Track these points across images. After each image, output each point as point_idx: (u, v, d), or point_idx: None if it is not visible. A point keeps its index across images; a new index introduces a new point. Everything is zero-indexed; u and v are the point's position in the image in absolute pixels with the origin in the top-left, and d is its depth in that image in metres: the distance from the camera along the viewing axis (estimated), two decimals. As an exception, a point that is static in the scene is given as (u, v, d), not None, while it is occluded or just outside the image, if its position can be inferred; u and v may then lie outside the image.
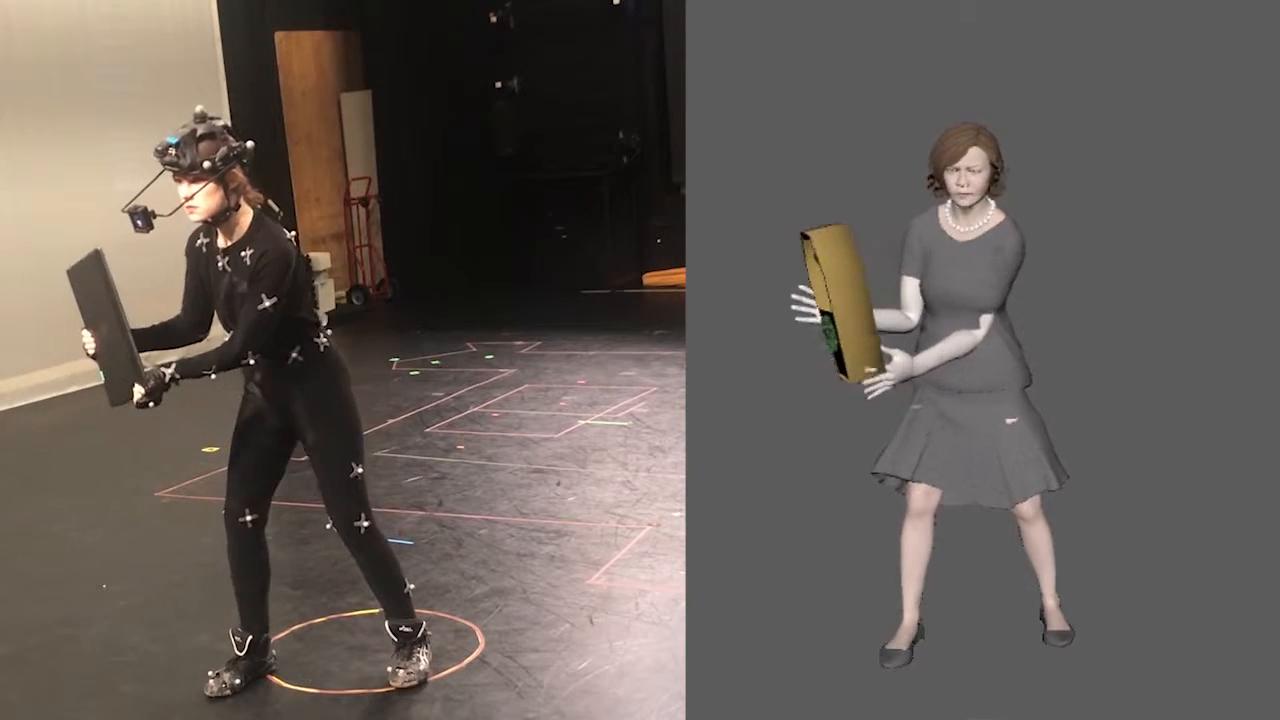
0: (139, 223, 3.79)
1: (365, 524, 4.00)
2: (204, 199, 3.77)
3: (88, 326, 3.86)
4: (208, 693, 4.11)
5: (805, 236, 3.36)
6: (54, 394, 8.78)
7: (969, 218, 3.47)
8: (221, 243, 3.87)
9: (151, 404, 3.71)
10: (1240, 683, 3.36)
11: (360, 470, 3.98)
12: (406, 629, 4.12)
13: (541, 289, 12.26)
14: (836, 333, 3.35)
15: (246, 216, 3.85)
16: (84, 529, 5.98)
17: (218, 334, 3.96)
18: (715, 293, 3.85)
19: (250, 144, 3.85)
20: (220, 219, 3.82)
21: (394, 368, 9.10)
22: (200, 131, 3.76)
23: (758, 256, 3.81)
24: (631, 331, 9.99)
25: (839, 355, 3.38)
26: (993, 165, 3.39)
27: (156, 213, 3.80)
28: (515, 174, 12.68)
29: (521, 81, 12.56)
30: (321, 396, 3.94)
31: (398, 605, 4.12)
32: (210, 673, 4.14)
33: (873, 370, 3.36)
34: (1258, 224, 3.70)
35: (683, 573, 4.32)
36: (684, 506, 4.24)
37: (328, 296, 11.39)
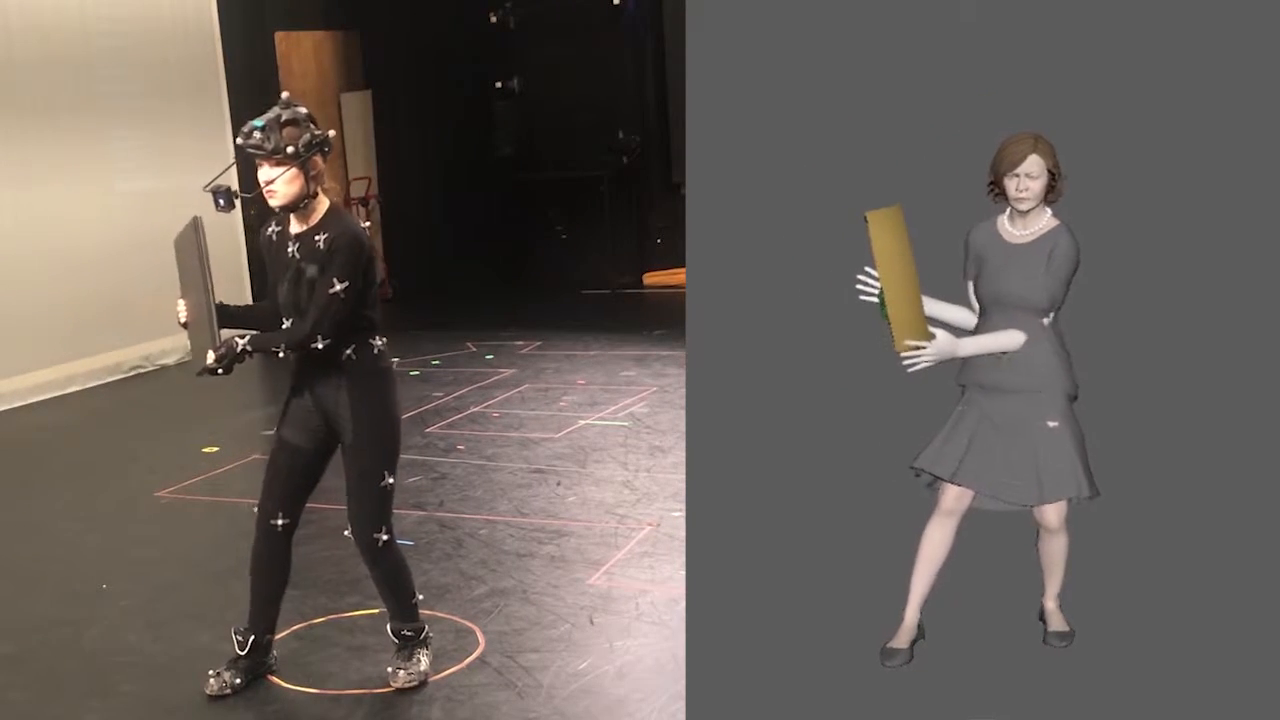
0: (221, 202, 3.82)
1: (385, 537, 3.98)
2: (284, 184, 3.78)
3: (184, 295, 3.89)
4: (208, 691, 4.10)
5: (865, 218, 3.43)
6: (54, 394, 8.78)
7: (1025, 222, 3.53)
8: (294, 229, 3.88)
9: (221, 371, 3.76)
10: (1239, 682, 3.36)
11: (391, 481, 3.96)
12: (409, 632, 4.12)
13: (541, 289, 12.26)
14: (883, 306, 3.42)
15: (323, 204, 3.87)
16: (84, 529, 5.97)
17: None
18: (715, 293, 3.85)
19: (332, 133, 3.90)
20: (299, 206, 3.82)
21: (394, 368, 9.08)
22: (285, 117, 3.79)
23: (758, 256, 3.81)
24: (631, 331, 9.99)
25: (890, 327, 3.44)
26: (1050, 172, 3.46)
27: (239, 193, 3.83)
28: (515, 174, 12.68)
29: (521, 81, 12.56)
30: (368, 399, 3.92)
31: (404, 612, 4.12)
32: (211, 672, 4.14)
33: (913, 343, 3.42)
34: (1262, 228, 3.70)
35: (683, 573, 4.32)
36: (684, 506, 4.24)
37: (328, 296, 11.38)
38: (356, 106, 12.32)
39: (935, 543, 3.59)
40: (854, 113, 3.80)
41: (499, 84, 12.57)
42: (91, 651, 4.58)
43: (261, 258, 4.03)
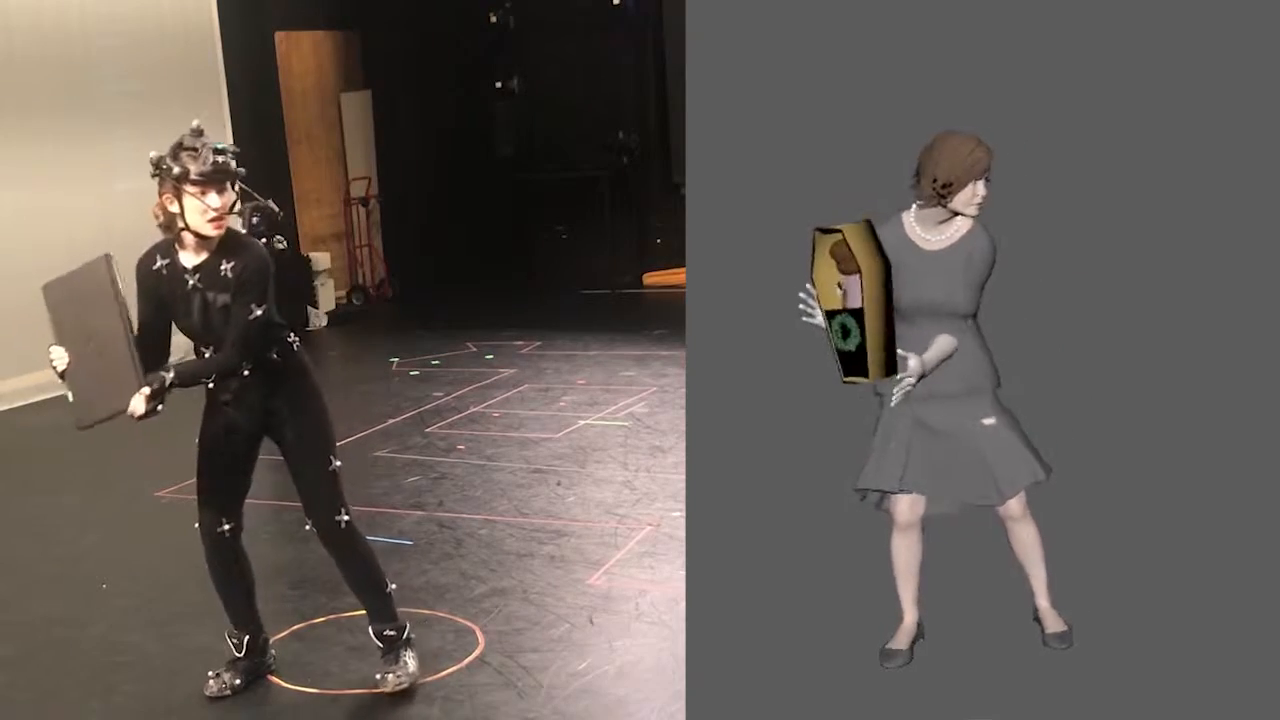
0: (263, 226, 3.87)
1: (345, 518, 3.99)
2: (226, 209, 3.78)
3: (61, 343, 3.81)
4: (207, 693, 4.11)
5: (828, 231, 3.32)
6: (54, 394, 8.74)
7: (939, 227, 3.46)
8: (188, 261, 3.84)
9: (159, 409, 3.69)
10: (1239, 679, 3.36)
11: (338, 464, 3.99)
12: (391, 632, 4.09)
13: (541, 289, 12.26)
14: (860, 330, 3.31)
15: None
16: (84, 529, 5.98)
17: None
18: (715, 293, 3.85)
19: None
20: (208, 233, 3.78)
21: (394, 368, 9.10)
22: (220, 144, 3.78)
23: (758, 256, 3.81)
24: (631, 331, 9.98)
25: (852, 356, 3.34)
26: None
27: (279, 212, 3.90)
28: (515, 174, 12.68)
29: (521, 81, 12.56)
30: (300, 392, 3.97)
31: (381, 608, 4.10)
32: (210, 673, 4.14)
33: (889, 372, 3.33)
34: (1234, 215, 3.70)
35: (683, 573, 4.32)
36: (684, 506, 4.24)
37: (328, 296, 11.39)
38: (356, 106, 12.32)
39: (904, 556, 3.59)
40: (854, 113, 3.80)
41: (499, 84, 12.57)
42: (91, 651, 4.58)
43: (146, 288, 3.89)
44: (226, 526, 4.07)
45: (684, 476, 4.41)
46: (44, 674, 4.43)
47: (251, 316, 3.77)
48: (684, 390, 4.05)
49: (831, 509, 3.75)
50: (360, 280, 12.22)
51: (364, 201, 12.28)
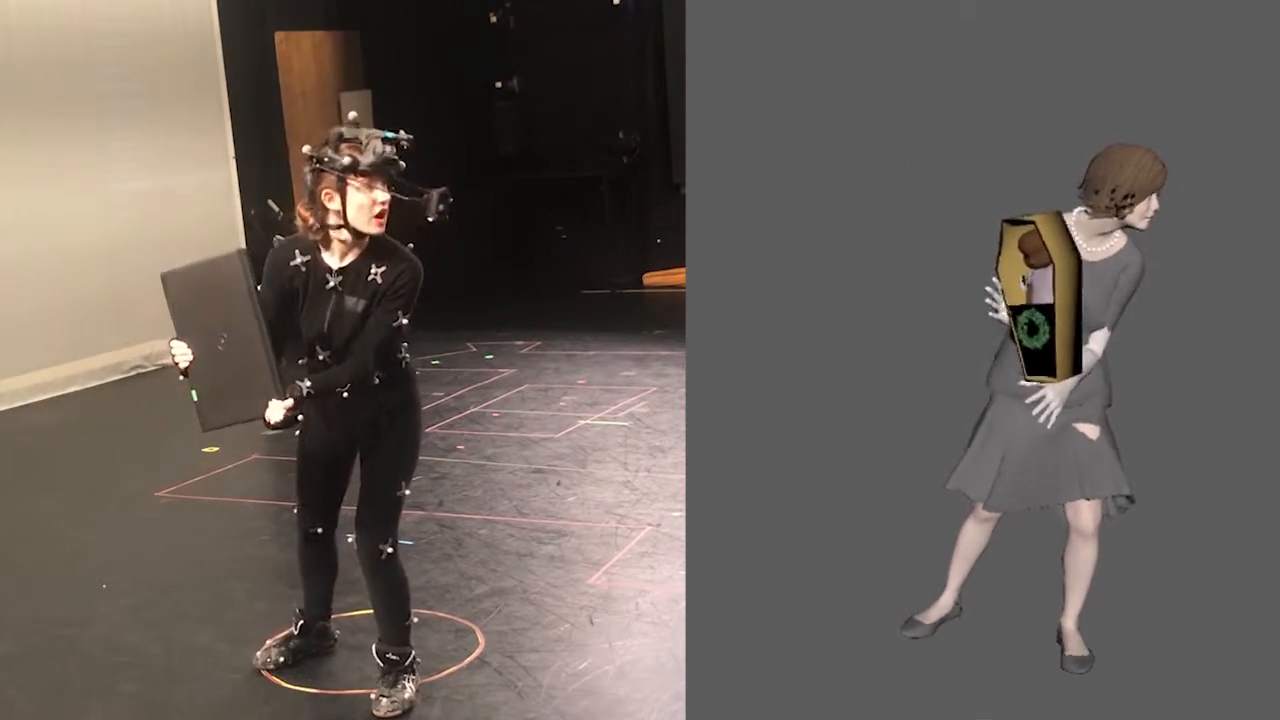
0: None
1: (389, 550, 3.93)
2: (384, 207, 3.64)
3: (182, 337, 3.66)
4: (254, 664, 4.20)
5: (1017, 222, 3.21)
6: (54, 394, 8.78)
7: (1100, 238, 3.40)
8: (333, 261, 3.71)
9: (299, 419, 3.62)
10: (1246, 690, 3.36)
11: (407, 491, 3.94)
12: (394, 656, 4.00)
13: (541, 289, 12.25)
14: (1050, 327, 3.20)
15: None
16: (84, 529, 5.97)
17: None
18: (715, 293, 3.85)
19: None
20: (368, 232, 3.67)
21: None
22: (391, 140, 3.67)
23: (758, 256, 3.81)
24: (631, 331, 9.98)
25: (1038, 354, 3.25)
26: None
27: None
28: (515, 174, 12.68)
29: (521, 81, 12.56)
30: (399, 410, 3.89)
31: (396, 634, 4.02)
32: (268, 643, 4.23)
33: (1074, 371, 3.27)
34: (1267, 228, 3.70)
35: (683, 573, 4.32)
36: (684, 506, 4.24)
37: (328, 296, 11.38)
38: (356, 106, 12.26)
39: (973, 541, 3.62)
40: (854, 113, 3.80)
41: (499, 84, 12.57)
42: (91, 651, 4.58)
43: (278, 283, 3.76)
44: (321, 529, 4.11)
45: (684, 476, 4.42)
46: (44, 674, 4.43)
47: (395, 324, 3.69)
48: (684, 390, 4.05)
49: (832, 508, 3.75)
50: (360, 280, 12.21)
51: (364, 201, 12.27)
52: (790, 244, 3.79)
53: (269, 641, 4.25)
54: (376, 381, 3.79)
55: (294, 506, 4.18)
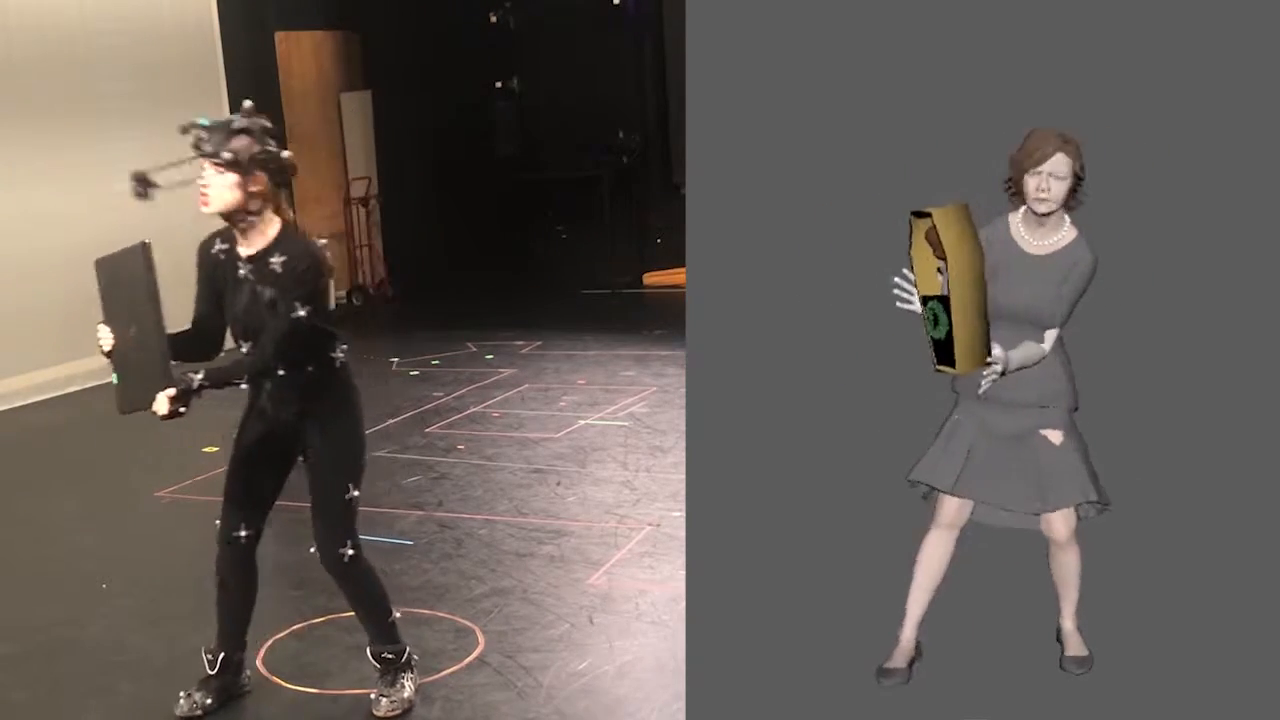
0: (139, 188, 3.67)
1: (350, 552, 3.85)
2: (219, 190, 3.64)
3: (108, 322, 3.72)
4: (177, 712, 3.97)
5: (922, 214, 3.20)
6: (54, 394, 8.78)
7: (1045, 230, 3.37)
8: (244, 250, 3.73)
9: (182, 412, 3.57)
10: (1247, 690, 3.36)
11: (356, 494, 3.85)
12: (389, 655, 3.97)
13: (541, 289, 12.26)
14: (948, 317, 3.20)
15: (272, 225, 3.71)
16: (84, 529, 5.97)
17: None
18: (715, 293, 3.85)
19: (287, 155, 3.73)
20: (236, 220, 3.69)
21: (394, 368, 9.10)
22: (238, 125, 3.66)
23: (758, 256, 3.81)
24: (631, 331, 9.99)
25: (942, 344, 3.24)
26: (1075, 175, 3.30)
27: (157, 183, 3.68)
28: (515, 174, 12.68)
29: (521, 81, 12.56)
30: (332, 413, 3.83)
31: (382, 632, 3.98)
32: (182, 692, 4.02)
33: (980, 362, 3.23)
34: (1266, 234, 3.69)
35: (683, 573, 4.32)
36: (684, 506, 4.24)
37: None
38: (356, 106, 12.32)
39: (934, 557, 3.50)
40: (854, 113, 3.79)
41: (499, 84, 12.57)
42: (91, 651, 4.58)
43: (204, 273, 3.82)
44: (245, 532, 3.95)
45: (684, 476, 4.41)
46: (44, 674, 4.43)
47: (295, 315, 3.62)
48: (684, 390, 4.05)
49: (832, 508, 3.75)
50: (360, 280, 12.22)
51: (364, 201, 12.28)
52: (790, 244, 3.79)
53: (188, 689, 4.02)
54: (305, 373, 3.75)
55: (281, 507, 4.09)
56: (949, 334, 3.22)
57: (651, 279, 12.24)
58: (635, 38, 12.32)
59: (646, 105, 12.46)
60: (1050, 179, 3.28)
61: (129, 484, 6.63)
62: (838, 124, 3.80)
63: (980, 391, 3.35)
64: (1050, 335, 3.39)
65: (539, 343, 9.71)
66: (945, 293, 3.21)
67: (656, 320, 10.27)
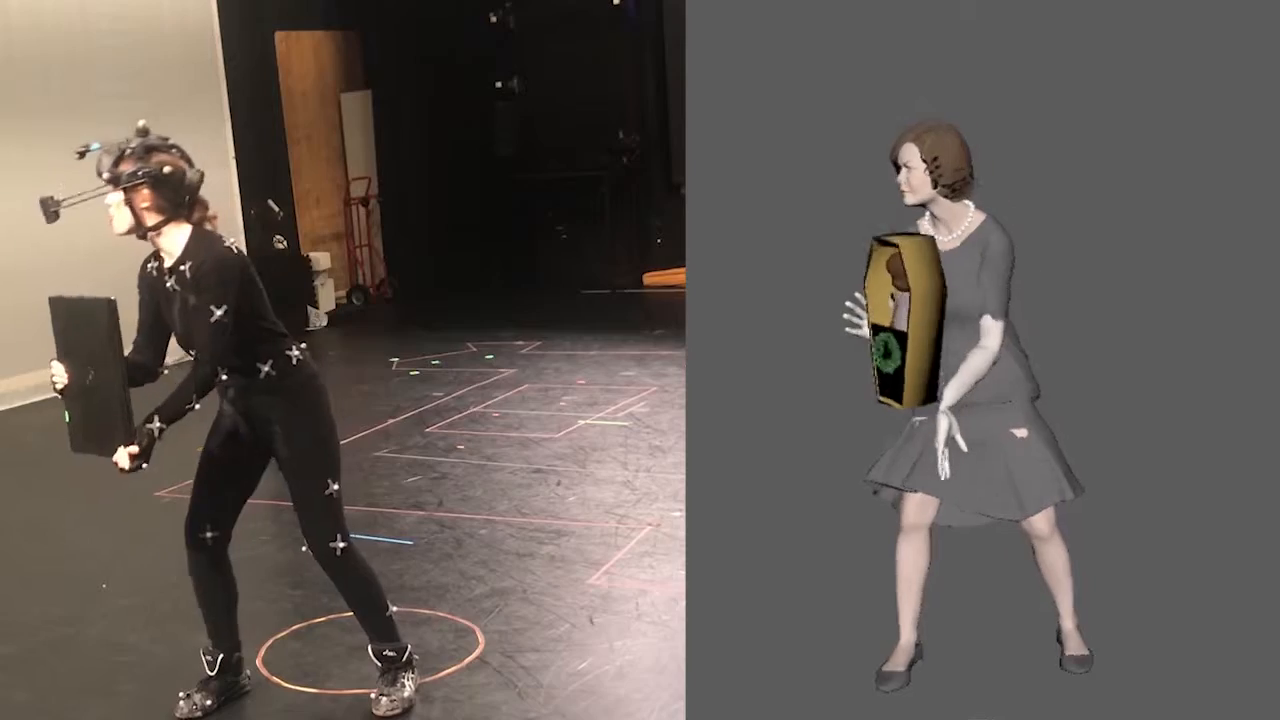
0: (46, 213, 3.83)
1: (341, 545, 3.87)
2: (114, 211, 3.76)
3: (62, 359, 3.75)
4: (178, 714, 3.98)
5: (884, 243, 3.19)
6: (54, 394, 8.76)
7: (947, 225, 3.37)
8: (167, 263, 3.80)
9: (143, 466, 3.68)
10: (1247, 690, 3.36)
11: (336, 488, 3.85)
12: (390, 653, 3.97)
13: (541, 289, 12.26)
14: (902, 353, 3.17)
15: (180, 233, 3.75)
16: (84, 529, 5.98)
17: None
18: (715, 293, 3.85)
19: (171, 170, 3.72)
20: (141, 237, 3.76)
21: (394, 368, 9.10)
22: (128, 147, 3.73)
23: (758, 256, 3.81)
24: (631, 331, 9.99)
25: (889, 377, 3.22)
26: (925, 162, 3.28)
27: (61, 203, 3.83)
28: (515, 174, 12.68)
29: (521, 81, 12.56)
30: (295, 410, 3.82)
31: (380, 629, 3.99)
32: (181, 694, 4.03)
33: (926, 400, 3.21)
34: (1257, 224, 3.69)
35: (683, 573, 4.32)
36: (684, 506, 4.24)
37: (328, 297, 11.38)
38: (356, 106, 12.32)
39: (908, 561, 3.48)
40: (854, 113, 3.79)
41: (499, 84, 12.57)
42: (91, 651, 4.58)
43: (143, 294, 3.88)
44: (212, 534, 3.96)
45: (684, 476, 4.41)
46: (44, 674, 4.43)
47: (213, 319, 3.64)
48: (684, 390, 4.05)
49: (832, 508, 3.75)
50: (360, 280, 12.22)
51: (364, 201, 12.28)
52: (790, 244, 3.79)
53: (187, 690, 4.03)
54: (262, 375, 3.77)
55: (280, 507, 4.10)
56: (899, 369, 3.21)
57: (651, 279, 12.25)
58: (635, 38, 12.32)
59: (646, 105, 12.46)
60: (905, 170, 3.32)
61: (128, 484, 6.58)
62: (838, 124, 3.80)
63: (938, 442, 3.32)
64: (992, 328, 3.32)
65: (539, 343, 9.71)
66: (902, 327, 3.18)
67: (656, 320, 10.28)
